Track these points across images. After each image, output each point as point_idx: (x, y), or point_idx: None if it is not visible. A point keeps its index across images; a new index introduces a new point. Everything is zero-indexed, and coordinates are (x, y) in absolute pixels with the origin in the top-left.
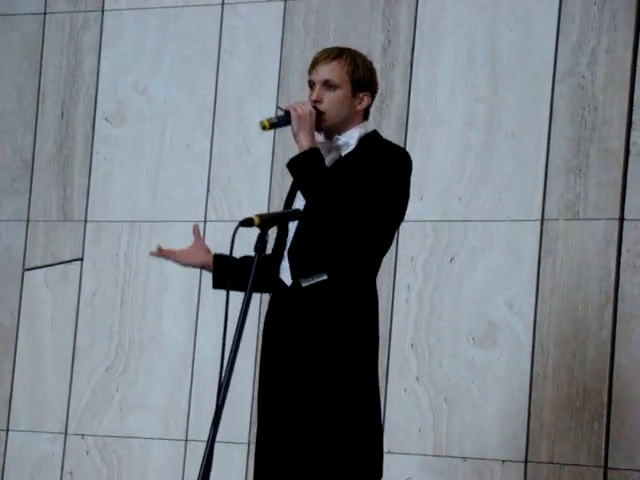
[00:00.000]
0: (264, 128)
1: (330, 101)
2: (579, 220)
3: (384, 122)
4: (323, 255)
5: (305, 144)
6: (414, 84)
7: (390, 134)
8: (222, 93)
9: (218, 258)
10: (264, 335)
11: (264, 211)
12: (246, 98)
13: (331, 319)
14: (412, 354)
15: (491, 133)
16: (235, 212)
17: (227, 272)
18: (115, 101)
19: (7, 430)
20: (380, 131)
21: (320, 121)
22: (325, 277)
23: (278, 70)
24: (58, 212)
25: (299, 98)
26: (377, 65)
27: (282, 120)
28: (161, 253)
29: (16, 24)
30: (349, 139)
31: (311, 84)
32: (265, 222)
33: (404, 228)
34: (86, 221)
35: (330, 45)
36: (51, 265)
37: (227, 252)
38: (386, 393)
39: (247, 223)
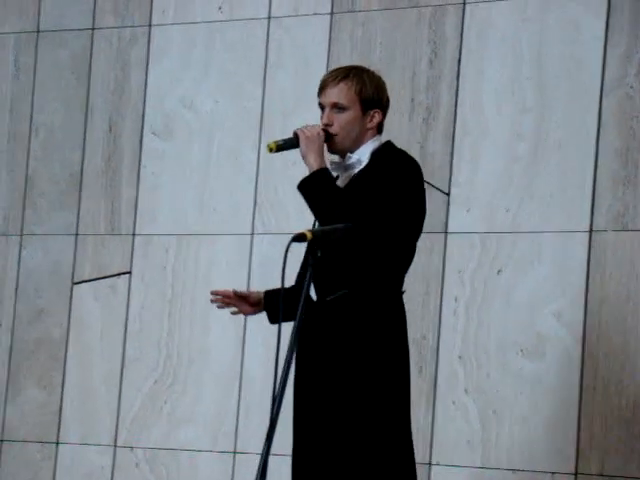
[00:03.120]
0: (270, 150)
1: (340, 123)
2: (628, 231)
3: (430, 134)
4: (343, 271)
5: (314, 164)
6: (461, 96)
7: (437, 146)
8: (268, 106)
9: (268, 295)
10: (298, 351)
11: (311, 223)
12: (292, 111)
13: (356, 333)
14: (460, 366)
15: (538, 144)
16: (282, 224)
17: (279, 306)
18: (162, 115)
19: (57, 443)
20: (427, 144)
21: (332, 144)
22: (346, 291)
23: None
24: (106, 226)
25: None
26: (423, 77)
27: (289, 143)
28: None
29: (64, 40)
30: (361, 156)
31: (321, 107)
32: (317, 237)
33: (451, 240)
34: (134, 234)
35: (376, 58)
36: (99, 279)
37: (275, 265)
38: (434, 405)
39: (299, 239)
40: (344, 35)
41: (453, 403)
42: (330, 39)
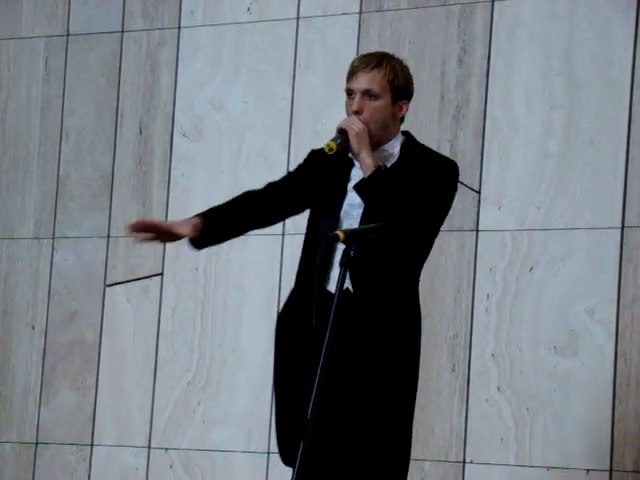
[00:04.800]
0: (331, 150)
1: (371, 111)
2: None
3: (460, 132)
4: (382, 265)
5: (370, 162)
6: (490, 93)
7: (467, 144)
8: (298, 106)
9: (208, 217)
10: (300, 345)
11: None
12: (322, 111)
13: (380, 326)
14: (493, 364)
15: (569, 141)
16: None
17: (217, 230)
18: (192, 117)
19: (92, 445)
20: (457, 141)
21: None
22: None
23: None
24: None
25: None
26: (453, 75)
27: (342, 140)
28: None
29: (94, 43)
30: (393, 149)
31: (349, 92)
32: (349, 238)
33: (483, 238)
34: None
35: (405, 57)
36: (132, 281)
37: None
38: (467, 403)
39: (332, 240)
40: (373, 34)
41: (486, 401)
42: (359, 38)
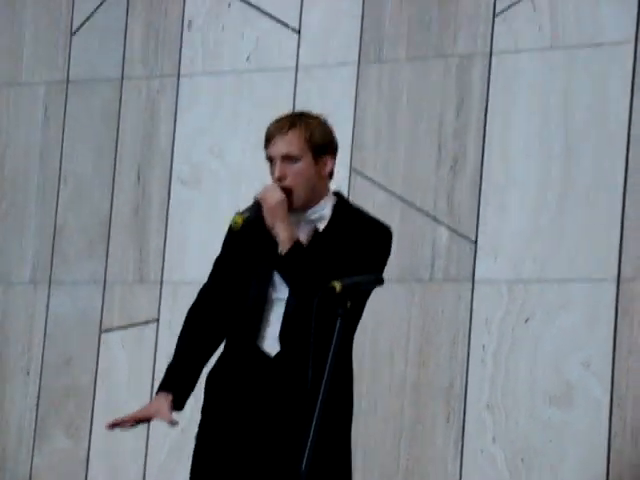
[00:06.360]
0: (236, 225)
1: (294, 175)
2: None
3: (457, 183)
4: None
5: (285, 236)
6: (488, 144)
7: (464, 195)
8: None
9: (175, 387)
10: (230, 403)
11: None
12: None
13: (310, 389)
14: (488, 415)
15: (566, 193)
16: None
17: (188, 387)
18: (190, 164)
19: None
20: (454, 192)
21: (289, 201)
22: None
23: (352, 133)
24: (134, 274)
25: (372, 161)
26: (450, 127)
27: (254, 212)
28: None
29: (94, 89)
30: (323, 211)
31: (270, 159)
32: (346, 289)
33: (478, 288)
34: (162, 283)
35: (403, 108)
36: (127, 326)
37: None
38: (462, 454)
39: (328, 292)
40: (371, 84)
41: (481, 452)
42: (357, 89)
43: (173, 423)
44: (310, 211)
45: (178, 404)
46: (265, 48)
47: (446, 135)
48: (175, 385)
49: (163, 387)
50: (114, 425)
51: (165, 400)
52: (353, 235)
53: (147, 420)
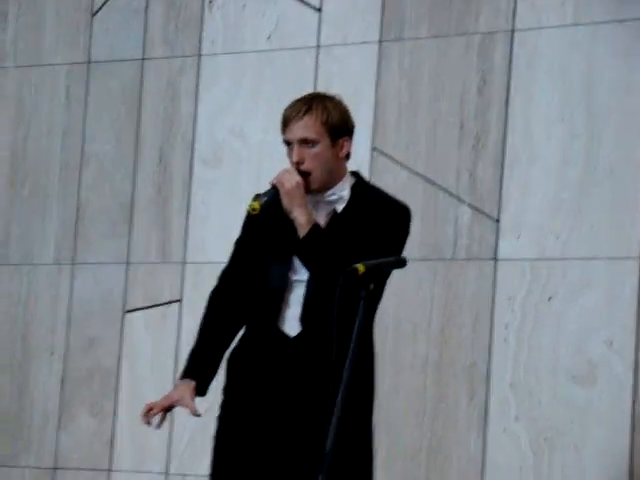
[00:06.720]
0: (254, 210)
1: (312, 159)
2: None
3: (480, 161)
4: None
5: (303, 220)
6: (510, 123)
7: (486, 173)
8: None
9: (198, 374)
10: (252, 384)
11: None
12: None
13: (333, 369)
14: (511, 394)
15: (588, 170)
16: None
17: (211, 372)
18: (212, 144)
19: (109, 470)
20: (476, 171)
21: (307, 184)
22: None
23: (373, 112)
24: (157, 254)
25: (394, 140)
26: (472, 105)
27: (272, 196)
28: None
29: (115, 70)
30: (342, 192)
31: (287, 143)
32: (369, 271)
33: (501, 267)
34: (185, 263)
35: (425, 86)
36: (150, 307)
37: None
38: (485, 433)
39: (351, 273)
40: (392, 63)
41: (504, 431)
42: (379, 68)
43: (196, 414)
44: (328, 192)
45: (201, 390)
46: (286, 27)
47: (468, 113)
48: (198, 371)
49: (186, 374)
50: (146, 416)
51: (188, 387)
52: (372, 215)
53: (171, 408)
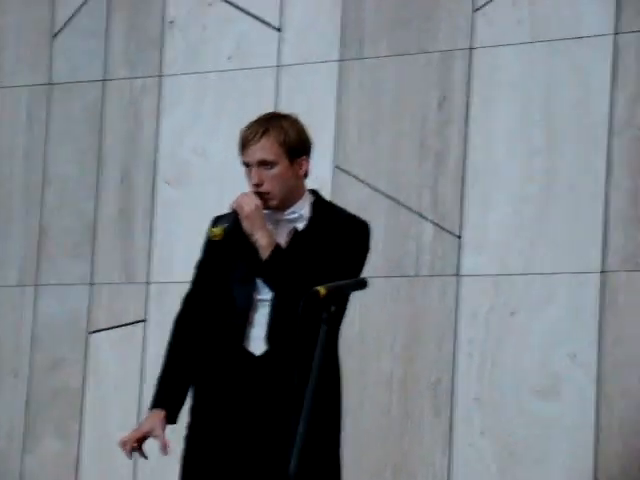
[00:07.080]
0: (215, 237)
1: (271, 180)
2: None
3: (441, 179)
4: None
5: (264, 242)
6: (470, 139)
7: (447, 190)
8: None
9: (167, 403)
10: (218, 403)
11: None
12: None
13: (299, 387)
14: (476, 409)
15: (549, 186)
16: None
17: (180, 399)
18: (175, 164)
19: None
20: (437, 187)
21: (267, 202)
22: None
23: (334, 130)
24: (121, 275)
25: (356, 158)
26: (433, 122)
27: (232, 221)
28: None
29: (76, 91)
30: (301, 211)
31: (246, 165)
32: (330, 293)
33: (464, 283)
34: (149, 283)
35: (386, 104)
36: (115, 327)
37: None
38: (451, 448)
39: (312, 296)
40: (353, 81)
41: (470, 445)
42: (339, 86)
43: (164, 452)
44: (288, 211)
45: (172, 418)
46: (246, 47)
47: (429, 131)
48: (167, 400)
49: (155, 403)
50: (125, 451)
51: (158, 417)
52: (332, 233)
53: (144, 439)
